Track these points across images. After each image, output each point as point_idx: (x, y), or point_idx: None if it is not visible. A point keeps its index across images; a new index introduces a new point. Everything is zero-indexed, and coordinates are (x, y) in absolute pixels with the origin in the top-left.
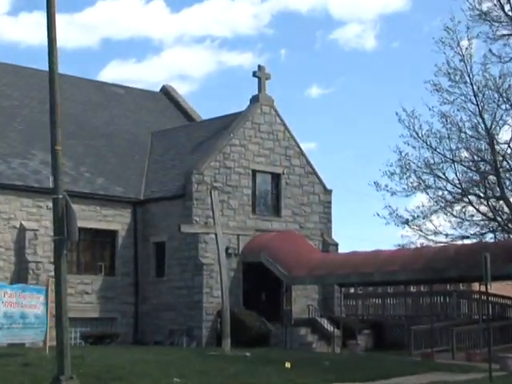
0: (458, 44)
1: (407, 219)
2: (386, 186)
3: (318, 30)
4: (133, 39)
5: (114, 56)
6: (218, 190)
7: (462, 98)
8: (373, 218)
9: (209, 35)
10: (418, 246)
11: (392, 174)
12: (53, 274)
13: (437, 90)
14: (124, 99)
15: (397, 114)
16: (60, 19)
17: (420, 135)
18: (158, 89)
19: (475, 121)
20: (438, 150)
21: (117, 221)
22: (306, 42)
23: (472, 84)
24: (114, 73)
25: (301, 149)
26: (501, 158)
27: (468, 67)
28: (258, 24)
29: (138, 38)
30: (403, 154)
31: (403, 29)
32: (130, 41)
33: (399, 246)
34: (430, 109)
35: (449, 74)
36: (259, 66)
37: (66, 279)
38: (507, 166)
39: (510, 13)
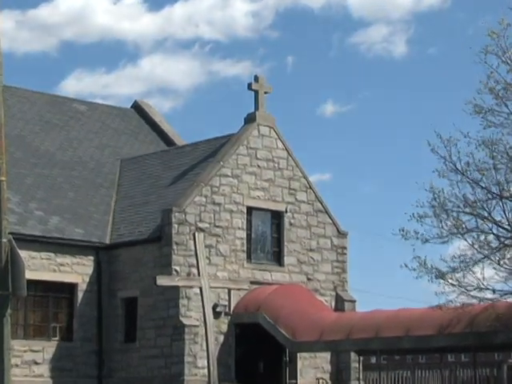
0: (506, 51)
1: (443, 271)
2: (416, 232)
3: (334, 33)
4: (101, 43)
5: (76, 64)
6: (204, 232)
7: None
8: (400, 269)
9: (197, 39)
10: (458, 304)
11: (422, 217)
12: None
13: (477, 111)
14: (86, 118)
15: (429, 143)
16: (7, 17)
17: (459, 167)
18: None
19: None
20: (481, 184)
21: (76, 271)
22: (319, 47)
23: None
24: (76, 85)
25: (308, 181)
26: None
27: None
28: (258, 25)
29: (108, 41)
30: (437, 191)
31: (442, 31)
32: (97, 45)
33: (433, 304)
34: (465, 136)
35: (493, 89)
36: (256, 77)
37: (9, 346)
38: None
39: None
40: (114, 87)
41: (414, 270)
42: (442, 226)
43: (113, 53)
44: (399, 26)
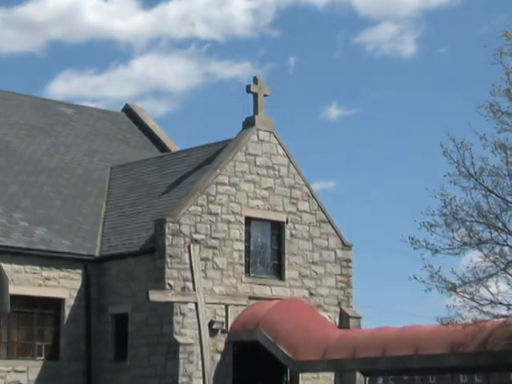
0: None
1: (455, 284)
2: (426, 241)
3: (338, 32)
4: (91, 43)
5: (65, 65)
6: (200, 243)
7: None
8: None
9: (193, 38)
10: (470, 321)
11: (432, 225)
12: None
13: (493, 111)
14: (74, 122)
15: (442, 145)
16: None
17: (472, 172)
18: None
19: None
20: (495, 191)
21: (63, 285)
22: (323, 47)
23: None
24: (64, 88)
25: (311, 189)
26: None
27: None
28: (257, 23)
29: (99, 41)
30: (449, 198)
31: (452, 29)
32: (87, 45)
33: (444, 320)
34: (481, 138)
35: (508, 90)
36: (255, 79)
37: None
38: None
39: None
40: (105, 90)
41: (424, 281)
42: (454, 236)
43: (103, 53)
44: (408, 25)
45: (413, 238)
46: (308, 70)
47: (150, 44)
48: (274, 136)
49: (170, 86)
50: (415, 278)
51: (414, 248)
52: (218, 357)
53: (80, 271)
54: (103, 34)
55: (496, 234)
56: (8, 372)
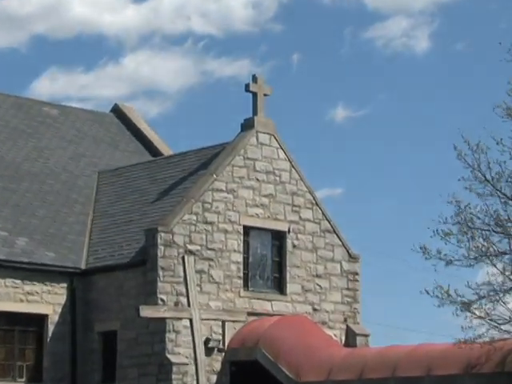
0: None
1: (470, 300)
2: (439, 251)
3: (346, 27)
4: (78, 39)
5: (50, 63)
6: (195, 255)
7: None
8: (419, 297)
9: (189, 33)
10: (487, 339)
11: (447, 234)
12: None
13: (509, 114)
14: (59, 124)
15: (455, 147)
16: None
17: (489, 178)
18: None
19: None
20: None
21: (46, 301)
22: (329, 43)
23: None
24: (49, 87)
25: (314, 196)
26: None
27: None
28: (258, 18)
29: (87, 36)
30: (463, 206)
31: (470, 24)
32: (74, 41)
33: (459, 339)
34: (498, 142)
35: None
36: (254, 77)
37: None
38: None
39: None
40: (93, 89)
41: (437, 297)
42: (469, 247)
43: (92, 50)
44: (421, 19)
45: (425, 248)
46: (312, 68)
47: (142, 40)
48: (275, 139)
49: (163, 85)
50: (427, 292)
51: (426, 258)
52: (214, 378)
53: (65, 285)
54: (91, 29)
55: None
56: None
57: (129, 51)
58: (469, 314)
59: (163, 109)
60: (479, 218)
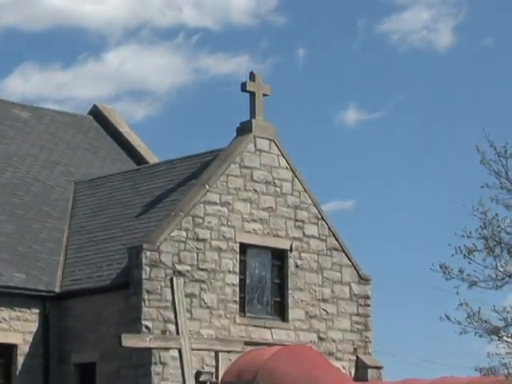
0: None
1: (497, 327)
2: (461, 271)
3: (358, 19)
4: (55, 32)
5: (23, 58)
6: (185, 276)
7: None
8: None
9: (181, 27)
10: None
11: (471, 251)
12: None
13: None
14: (30, 128)
15: (478, 149)
16: None
17: None
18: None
19: None
20: None
21: (15, 329)
22: (339, 37)
23: None
24: (22, 86)
25: (320, 209)
26: None
27: None
28: (259, 8)
29: (65, 29)
30: (489, 218)
31: (499, 16)
32: (50, 34)
33: (485, 370)
34: None
35: None
36: (251, 75)
37: None
38: None
39: None
40: (72, 88)
41: (459, 323)
42: (496, 266)
43: (70, 44)
44: (444, 10)
45: (445, 267)
46: (320, 65)
47: (128, 33)
48: (275, 145)
49: (151, 84)
50: (448, 318)
51: (446, 279)
52: None
53: (37, 311)
54: (70, 21)
55: None
56: None
57: (112, 46)
58: (497, 339)
59: (151, 111)
60: (508, 233)
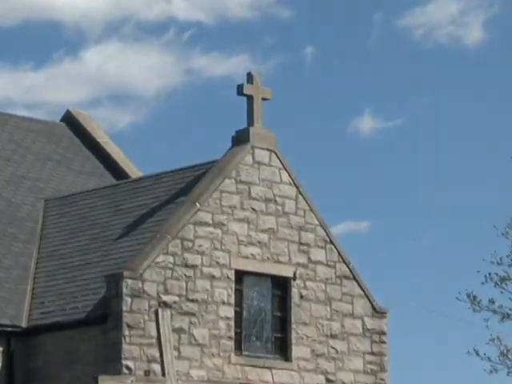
0: None
1: None
2: (492, 301)
3: (374, 12)
4: (27, 27)
5: None
6: (172, 308)
7: None
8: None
9: (170, 21)
10: None
11: (503, 279)
12: None
13: None
14: None
15: None
16: None
17: None
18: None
19: None
20: None
21: None
22: (353, 33)
23: None
24: None
25: (328, 231)
26: None
27: None
28: (260, 0)
29: (37, 24)
30: None
31: None
32: (20, 29)
33: None
34: None
35: None
36: (249, 76)
37: None
38: None
39: None
40: (45, 92)
41: (489, 359)
42: None
43: (43, 41)
44: (475, 1)
45: (474, 297)
46: (330, 66)
47: (109, 29)
48: (277, 156)
49: (136, 87)
50: (477, 353)
51: (475, 310)
52: None
53: (0, 349)
54: (44, 15)
55: None
56: None
57: (92, 43)
58: None
59: (135, 118)
60: None
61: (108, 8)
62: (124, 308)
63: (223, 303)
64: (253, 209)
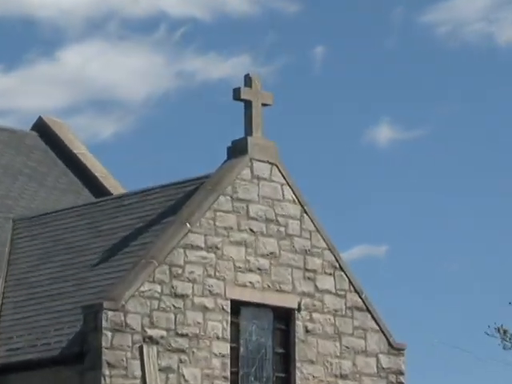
0: None
1: None
2: None
3: (393, 8)
4: None
5: None
6: (159, 344)
7: None
8: None
9: (161, 18)
10: None
11: None
12: None
13: None
14: None
15: None
16: None
17: None
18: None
19: None
20: None
21: None
22: (369, 31)
23: None
24: None
25: (338, 256)
26: None
27: None
28: None
29: (10, 21)
30: None
31: None
32: None
33: None
34: None
35: None
36: (247, 78)
37: None
38: None
39: None
40: (16, 97)
41: None
42: None
43: (16, 40)
44: None
45: (504, 331)
46: (343, 68)
47: (92, 27)
48: (279, 170)
49: (121, 92)
50: None
51: (505, 346)
52: None
53: None
54: (15, 10)
55: None
56: None
57: (71, 42)
58: None
59: (120, 127)
60: None
61: (89, 2)
62: (104, 344)
63: (217, 338)
64: (251, 230)
